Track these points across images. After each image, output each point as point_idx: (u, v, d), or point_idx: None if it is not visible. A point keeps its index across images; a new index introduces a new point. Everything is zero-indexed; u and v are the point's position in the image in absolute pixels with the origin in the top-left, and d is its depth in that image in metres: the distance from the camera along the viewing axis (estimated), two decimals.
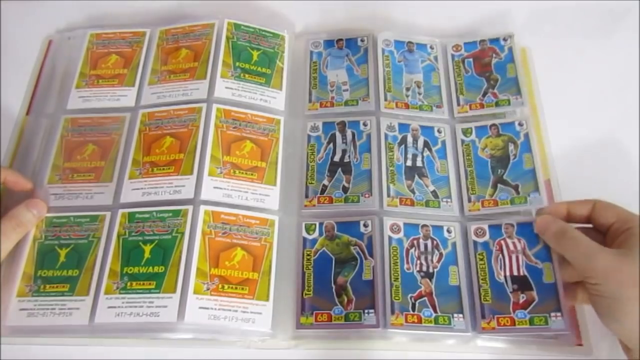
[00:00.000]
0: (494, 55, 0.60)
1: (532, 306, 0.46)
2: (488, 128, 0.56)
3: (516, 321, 0.46)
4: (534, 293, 0.47)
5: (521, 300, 0.47)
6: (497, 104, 0.57)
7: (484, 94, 0.58)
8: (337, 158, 0.55)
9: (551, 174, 0.55)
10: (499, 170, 0.53)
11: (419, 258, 0.50)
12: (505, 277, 0.48)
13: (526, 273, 0.48)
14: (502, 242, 0.50)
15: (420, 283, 0.49)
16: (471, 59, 0.60)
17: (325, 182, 0.53)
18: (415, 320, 0.47)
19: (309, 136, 0.56)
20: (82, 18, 0.66)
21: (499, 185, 0.53)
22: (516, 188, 0.52)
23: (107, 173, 0.53)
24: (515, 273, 0.48)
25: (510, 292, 0.47)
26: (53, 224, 0.51)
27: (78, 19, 0.66)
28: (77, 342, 0.48)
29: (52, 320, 0.46)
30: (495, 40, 0.60)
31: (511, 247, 0.49)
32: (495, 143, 0.55)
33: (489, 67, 0.59)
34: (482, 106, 0.57)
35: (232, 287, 0.47)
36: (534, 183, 0.52)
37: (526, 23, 0.58)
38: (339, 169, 0.54)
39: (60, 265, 0.49)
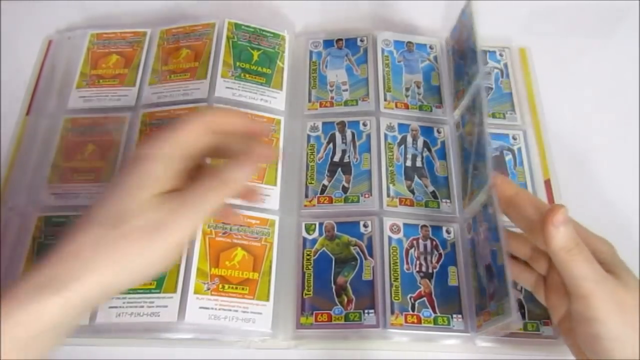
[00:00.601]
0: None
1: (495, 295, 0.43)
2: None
3: (491, 313, 0.44)
4: (495, 280, 0.43)
5: (492, 290, 0.44)
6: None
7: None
8: (337, 158, 0.55)
9: (551, 173, 0.55)
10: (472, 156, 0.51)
11: (418, 258, 0.50)
12: (483, 269, 0.46)
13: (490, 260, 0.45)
14: (476, 236, 0.48)
15: (420, 283, 0.49)
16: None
17: (325, 182, 0.53)
18: (415, 321, 0.47)
19: (309, 136, 0.56)
20: (82, 18, 0.66)
21: (472, 172, 0.50)
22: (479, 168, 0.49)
23: (107, 173, 0.53)
24: (485, 263, 0.45)
25: (487, 284, 0.45)
26: (53, 224, 0.51)
27: (78, 19, 0.66)
28: (77, 342, 0.48)
29: None
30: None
31: (482, 236, 0.46)
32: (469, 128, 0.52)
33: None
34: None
35: (232, 287, 0.47)
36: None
37: (526, 23, 0.58)
38: (339, 169, 0.54)
39: None
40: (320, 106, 0.57)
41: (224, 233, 0.49)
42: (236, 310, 0.46)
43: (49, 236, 0.50)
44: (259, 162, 0.39)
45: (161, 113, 0.55)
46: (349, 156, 0.54)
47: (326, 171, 0.54)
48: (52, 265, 0.33)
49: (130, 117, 0.56)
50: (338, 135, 0.56)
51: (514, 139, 0.56)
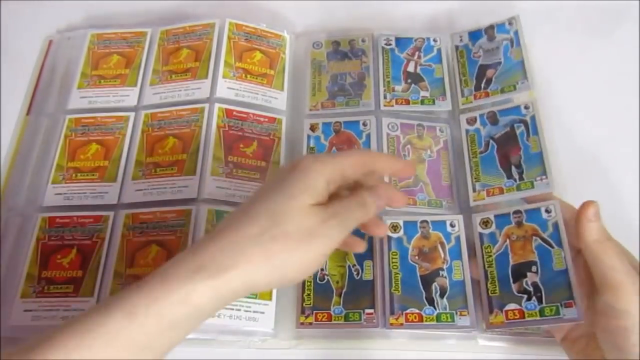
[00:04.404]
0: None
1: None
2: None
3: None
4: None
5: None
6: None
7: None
8: None
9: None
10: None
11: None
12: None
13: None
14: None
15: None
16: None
17: None
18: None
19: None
20: (82, 18, 0.66)
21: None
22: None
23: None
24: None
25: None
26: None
27: (78, 19, 0.66)
28: None
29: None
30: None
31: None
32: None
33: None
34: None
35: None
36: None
37: (526, 23, 0.58)
38: None
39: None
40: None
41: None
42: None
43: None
44: (390, 204, 0.41)
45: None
46: None
47: None
48: (211, 252, 0.34)
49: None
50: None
51: (526, 108, 0.52)
